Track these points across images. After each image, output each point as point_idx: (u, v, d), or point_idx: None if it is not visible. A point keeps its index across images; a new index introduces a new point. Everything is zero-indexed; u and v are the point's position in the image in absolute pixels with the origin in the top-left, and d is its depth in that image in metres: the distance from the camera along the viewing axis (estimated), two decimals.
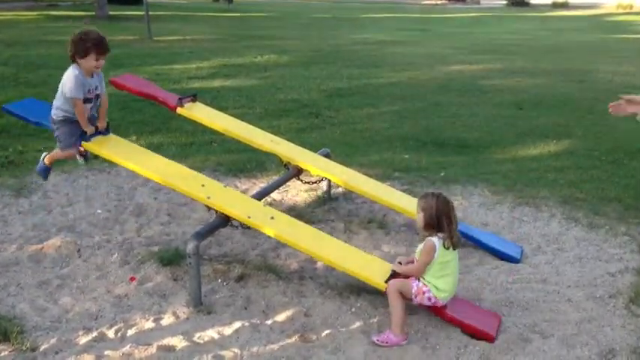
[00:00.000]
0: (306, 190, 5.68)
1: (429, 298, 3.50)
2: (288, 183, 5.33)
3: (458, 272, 3.61)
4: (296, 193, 5.71)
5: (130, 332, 3.51)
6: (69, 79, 4.02)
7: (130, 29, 19.41)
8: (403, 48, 17.19)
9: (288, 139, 5.47)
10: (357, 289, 3.95)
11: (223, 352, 3.32)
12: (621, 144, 7.58)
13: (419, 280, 3.51)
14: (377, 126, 8.44)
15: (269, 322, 3.63)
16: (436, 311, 3.60)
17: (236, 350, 3.34)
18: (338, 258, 3.81)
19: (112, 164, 6.25)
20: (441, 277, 3.49)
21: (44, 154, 4.39)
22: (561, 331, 3.56)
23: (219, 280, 4.09)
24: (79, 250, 4.46)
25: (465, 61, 14.76)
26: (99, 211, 5.20)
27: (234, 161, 6.45)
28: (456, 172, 6.31)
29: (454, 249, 3.51)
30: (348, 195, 5.53)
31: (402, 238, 4.82)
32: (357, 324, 3.61)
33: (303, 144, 5.55)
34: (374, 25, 25.30)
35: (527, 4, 42.56)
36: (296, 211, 5.17)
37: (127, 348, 3.33)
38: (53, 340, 3.38)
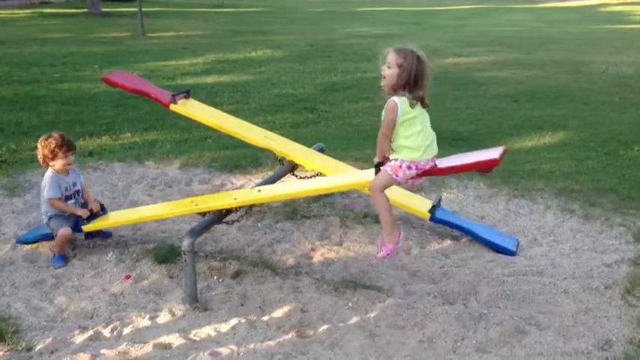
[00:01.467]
0: None
1: (409, 167, 3.34)
2: (283, 178, 5.32)
3: (431, 130, 3.42)
4: None
5: (125, 330, 3.50)
6: (46, 181, 4.32)
7: (123, 26, 19.33)
8: (398, 41, 17.09)
9: (283, 134, 5.46)
10: (354, 284, 3.95)
11: (220, 349, 3.31)
12: (616, 135, 7.60)
13: (389, 161, 3.40)
14: (372, 120, 8.41)
15: (265, 318, 3.63)
16: (429, 173, 3.43)
17: (233, 347, 3.33)
18: (325, 184, 4.01)
19: (106, 162, 6.26)
20: (409, 135, 3.32)
21: (52, 254, 4.34)
22: (558, 322, 3.56)
23: (215, 277, 4.08)
24: (73, 249, 4.45)
25: (459, 53, 14.74)
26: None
27: (229, 157, 6.43)
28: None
29: (423, 107, 3.35)
30: (344, 190, 5.51)
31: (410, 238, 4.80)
32: (354, 319, 3.60)
33: (298, 139, 5.53)
34: (369, 19, 25.25)
35: None
36: (291, 207, 5.16)
37: (123, 346, 3.32)
38: (49, 340, 3.37)
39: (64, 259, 4.28)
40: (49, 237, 4.43)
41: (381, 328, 3.51)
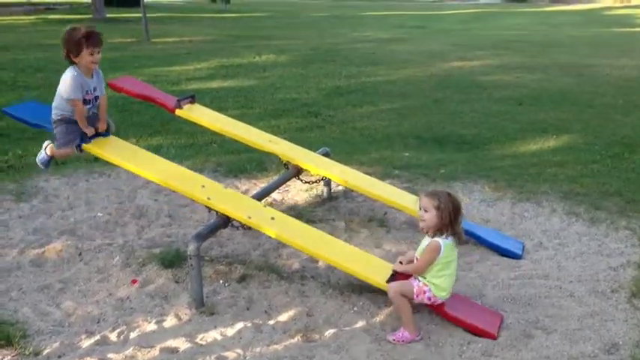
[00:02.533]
0: (307, 190, 5.68)
1: (429, 298, 3.49)
2: (288, 183, 5.33)
3: (456, 271, 3.60)
4: (296, 192, 5.71)
5: (132, 335, 3.51)
6: (67, 80, 3.97)
7: (128, 31, 19.41)
8: (402, 45, 17.18)
9: (287, 139, 5.47)
10: (359, 288, 3.95)
11: (226, 353, 3.32)
12: (621, 138, 7.59)
13: (419, 279, 3.51)
14: (376, 124, 8.43)
15: (271, 322, 3.63)
16: (437, 310, 3.59)
17: (239, 351, 3.34)
18: (339, 258, 3.81)
19: (112, 167, 6.27)
20: (441, 276, 3.48)
21: (47, 142, 4.30)
22: (564, 326, 3.55)
23: (221, 281, 4.08)
24: (80, 254, 4.46)
25: (463, 57, 14.75)
26: (99, 214, 5.19)
27: (234, 162, 6.45)
28: (456, 168, 6.30)
29: (460, 243, 3.52)
30: (349, 194, 5.53)
31: (402, 236, 4.82)
32: (360, 323, 3.60)
33: (302, 143, 5.54)
34: (372, 23, 25.29)
35: (525, 0, 42.52)
36: (296, 211, 5.17)
37: (129, 351, 3.33)
38: (56, 344, 3.38)
39: (49, 163, 4.25)
40: (34, 127, 4.30)
41: (386, 332, 3.51)
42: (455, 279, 3.58)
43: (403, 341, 3.42)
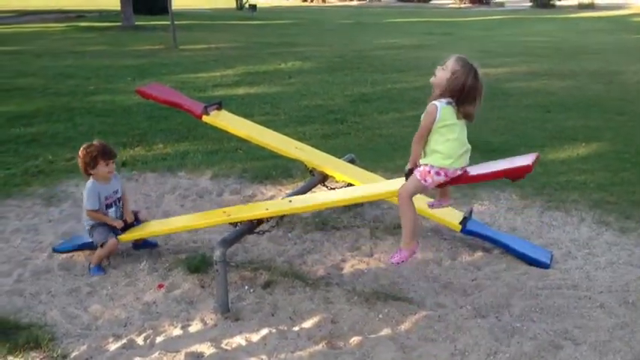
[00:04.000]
0: None
1: (438, 173, 3.31)
2: (313, 189, 5.33)
3: (466, 141, 3.38)
4: None
5: (158, 339, 3.54)
6: (86, 192, 4.36)
7: (156, 38, 19.66)
8: (427, 52, 17.11)
9: (313, 146, 5.48)
10: (384, 296, 3.93)
11: (251, 359, 3.33)
12: None
13: (419, 166, 3.38)
14: (402, 131, 8.39)
15: (296, 328, 3.63)
16: (463, 179, 3.37)
17: (264, 357, 3.34)
18: (354, 194, 4.01)
19: (140, 172, 6.37)
20: (445, 141, 3.28)
21: (89, 263, 4.40)
22: (593, 337, 3.49)
23: (246, 287, 4.10)
24: (107, 258, 4.52)
25: (489, 64, 14.62)
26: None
27: (260, 168, 6.48)
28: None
29: (468, 120, 3.30)
30: (374, 201, 5.50)
31: (429, 243, 4.78)
32: (385, 330, 3.58)
33: (328, 150, 5.55)
34: (397, 30, 25.24)
35: (553, 6, 42.07)
36: (321, 217, 5.17)
37: (155, 355, 3.36)
38: (83, 347, 3.43)
39: (101, 269, 4.34)
40: (86, 247, 4.51)
41: (412, 340, 3.48)
42: (464, 149, 3.37)
43: (402, 261, 3.40)
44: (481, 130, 8.39)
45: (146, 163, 6.71)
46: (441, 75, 3.28)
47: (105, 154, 4.31)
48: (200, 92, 10.69)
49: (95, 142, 4.41)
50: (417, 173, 3.39)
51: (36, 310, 3.84)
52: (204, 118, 5.06)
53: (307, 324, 3.68)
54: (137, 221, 4.55)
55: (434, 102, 3.28)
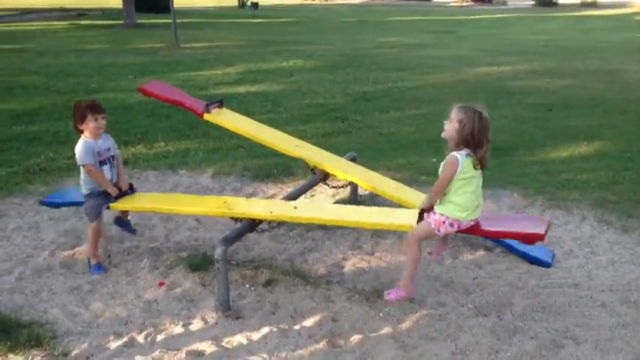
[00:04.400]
0: (333, 195, 5.67)
1: (452, 224, 3.36)
2: (314, 187, 5.33)
3: (481, 191, 3.43)
4: (323, 197, 5.70)
5: (159, 337, 3.54)
6: (78, 149, 4.27)
7: (158, 36, 19.67)
8: (429, 51, 17.10)
9: (314, 144, 5.47)
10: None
11: (252, 357, 3.33)
12: None
13: (434, 213, 3.41)
14: (403, 129, 8.39)
15: (297, 327, 3.63)
16: (473, 231, 3.42)
17: (264, 355, 3.34)
18: (364, 217, 3.90)
19: (141, 170, 6.37)
20: (462, 194, 3.31)
21: (87, 258, 4.41)
22: (595, 336, 3.48)
23: (247, 285, 4.10)
24: (109, 256, 4.52)
25: (492, 62, 14.61)
26: (128, 217, 5.24)
27: (261, 166, 6.47)
28: (485, 175, 6.18)
29: (482, 169, 3.36)
30: (375, 199, 5.50)
31: (430, 242, 4.77)
32: (386, 329, 3.58)
33: (329, 148, 5.54)
34: (399, 29, 25.22)
35: (555, 4, 42.00)
36: None
37: (156, 353, 3.36)
38: (84, 345, 3.42)
39: (101, 267, 4.33)
40: (75, 204, 4.47)
41: (413, 339, 3.48)
42: (479, 202, 3.41)
43: (397, 300, 3.41)
44: None
45: (147, 161, 6.71)
46: (450, 128, 3.34)
47: (93, 107, 4.24)
48: (201, 90, 10.69)
49: (85, 99, 4.36)
50: (431, 221, 3.42)
51: (37, 307, 3.84)
52: (206, 116, 5.06)
53: (308, 322, 3.67)
54: (131, 190, 4.46)
55: (454, 153, 3.31)
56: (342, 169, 4.97)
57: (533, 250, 4.49)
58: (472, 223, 3.42)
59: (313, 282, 4.12)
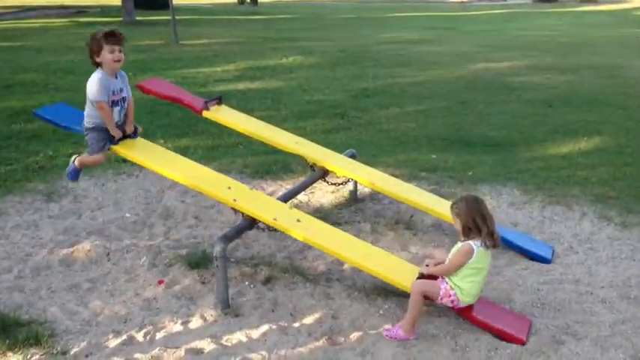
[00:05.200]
0: (333, 192, 5.66)
1: (452, 301, 3.46)
2: (314, 184, 5.32)
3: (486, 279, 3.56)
4: (322, 194, 5.69)
5: (158, 335, 3.53)
6: (92, 83, 4.03)
7: (157, 33, 19.62)
8: (429, 47, 17.07)
9: (314, 141, 5.46)
10: (385, 292, 3.92)
11: (251, 355, 3.32)
12: None
13: (447, 282, 3.47)
14: (403, 126, 8.38)
15: (296, 324, 3.62)
16: (463, 313, 3.55)
17: (264, 353, 3.33)
18: (365, 260, 3.79)
19: (140, 168, 6.34)
20: (470, 282, 3.44)
21: (74, 156, 4.42)
22: (594, 332, 3.48)
23: (247, 283, 4.09)
24: (108, 254, 4.51)
25: (491, 58, 14.59)
26: (127, 214, 5.25)
27: (261, 163, 6.46)
28: (484, 171, 6.23)
29: (494, 247, 3.45)
30: (375, 196, 5.49)
31: (429, 238, 4.77)
32: (385, 326, 3.57)
33: (329, 145, 5.53)
34: (399, 25, 25.18)
35: (555, 0, 41.93)
36: (322, 213, 5.16)
37: (155, 351, 3.35)
38: (83, 344, 3.42)
39: (77, 175, 4.31)
40: (66, 129, 4.42)
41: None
42: (482, 287, 3.54)
43: (395, 338, 3.41)
44: (482, 125, 8.38)
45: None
46: (456, 224, 3.49)
47: (109, 36, 3.95)
48: (201, 87, 10.68)
49: (103, 28, 4.07)
50: (442, 286, 3.46)
51: (36, 306, 3.84)
52: (205, 114, 5.05)
53: (308, 320, 3.67)
54: (134, 134, 4.36)
55: (470, 242, 3.41)
56: (342, 165, 4.96)
57: (533, 246, 4.49)
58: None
59: (313, 279, 4.11)
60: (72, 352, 3.34)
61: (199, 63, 13.74)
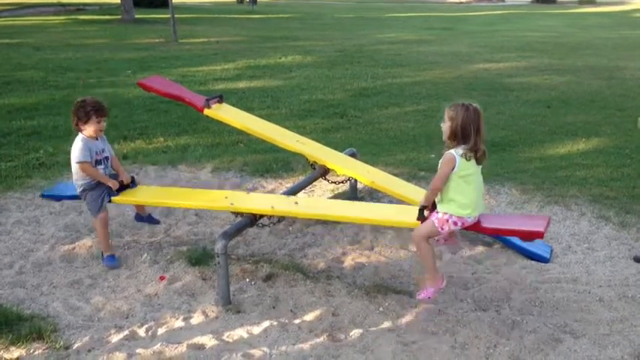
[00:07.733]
0: (333, 190, 5.69)
1: (455, 222, 3.39)
2: (314, 183, 5.34)
3: (482, 189, 3.49)
4: (322, 192, 5.72)
5: (160, 331, 3.55)
6: (76, 147, 4.25)
7: (156, 32, 19.62)
8: (428, 47, 17.10)
9: (313, 139, 5.48)
10: (385, 289, 3.95)
11: (252, 351, 3.34)
12: None
13: (437, 211, 3.43)
14: (402, 125, 8.41)
15: (297, 321, 3.65)
16: (475, 228, 3.47)
17: (265, 349, 3.36)
18: (363, 213, 3.95)
19: (140, 165, 6.38)
20: (462, 191, 3.36)
21: (101, 252, 4.41)
22: (593, 331, 3.51)
23: (248, 280, 4.11)
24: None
25: (490, 59, 14.63)
26: (129, 211, 5.26)
27: (261, 161, 6.48)
28: (483, 171, 6.22)
29: (478, 163, 3.39)
30: (375, 194, 5.52)
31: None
32: (386, 323, 3.60)
33: (328, 144, 5.56)
34: (398, 25, 25.21)
35: (554, 1, 42.02)
36: None
37: (157, 346, 3.37)
38: (86, 339, 3.44)
39: (115, 259, 4.32)
40: (73, 198, 4.51)
41: (412, 334, 3.50)
42: (480, 197, 3.46)
43: (430, 297, 3.46)
44: None
45: (147, 156, 6.72)
46: (444, 127, 3.41)
47: (98, 110, 4.23)
48: (200, 86, 10.69)
49: (89, 97, 4.33)
50: (435, 220, 3.43)
51: (38, 301, 3.86)
52: (206, 112, 5.07)
53: (308, 317, 3.69)
54: (133, 184, 4.46)
55: (451, 151, 3.36)
56: (342, 164, 4.98)
57: (531, 245, 4.51)
58: (475, 220, 3.45)
59: (313, 276, 4.14)
60: (75, 347, 3.37)
61: (199, 61, 13.75)
